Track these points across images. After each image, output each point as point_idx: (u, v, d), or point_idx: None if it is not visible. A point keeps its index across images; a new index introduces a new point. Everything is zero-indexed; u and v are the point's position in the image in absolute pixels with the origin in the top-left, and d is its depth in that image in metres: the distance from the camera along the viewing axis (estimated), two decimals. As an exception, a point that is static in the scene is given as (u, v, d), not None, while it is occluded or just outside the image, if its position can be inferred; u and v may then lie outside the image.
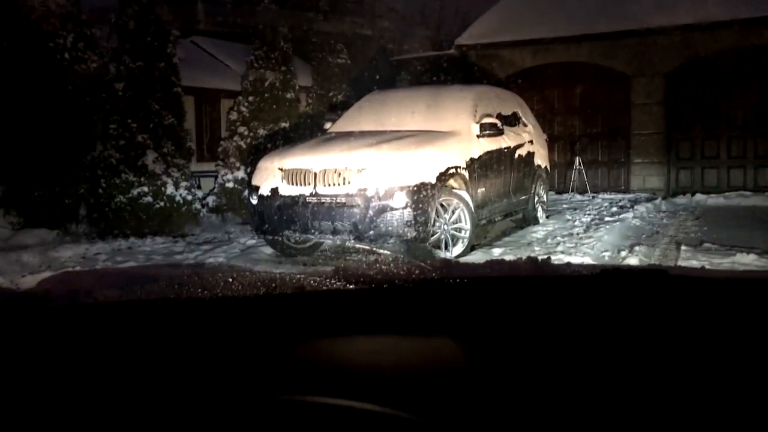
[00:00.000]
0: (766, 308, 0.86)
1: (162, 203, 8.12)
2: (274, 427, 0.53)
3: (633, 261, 5.50)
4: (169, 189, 8.21)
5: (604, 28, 11.23)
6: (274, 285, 0.80)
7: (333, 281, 0.84)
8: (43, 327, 0.68)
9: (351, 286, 0.82)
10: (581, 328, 0.75)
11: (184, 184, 8.42)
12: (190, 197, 8.46)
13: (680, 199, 10.64)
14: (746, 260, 5.21)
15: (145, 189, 8.06)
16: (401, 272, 0.90)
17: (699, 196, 10.66)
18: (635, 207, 9.19)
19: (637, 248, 6.11)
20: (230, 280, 0.80)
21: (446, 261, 1.50)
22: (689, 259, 5.47)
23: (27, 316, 0.72)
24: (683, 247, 6.14)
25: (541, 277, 0.92)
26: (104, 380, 0.59)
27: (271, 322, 0.68)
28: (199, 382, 0.58)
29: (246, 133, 9.65)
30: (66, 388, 0.59)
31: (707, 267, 3.94)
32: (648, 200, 10.20)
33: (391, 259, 1.31)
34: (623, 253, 5.89)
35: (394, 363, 0.66)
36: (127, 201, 7.99)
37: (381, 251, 4.87)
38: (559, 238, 6.85)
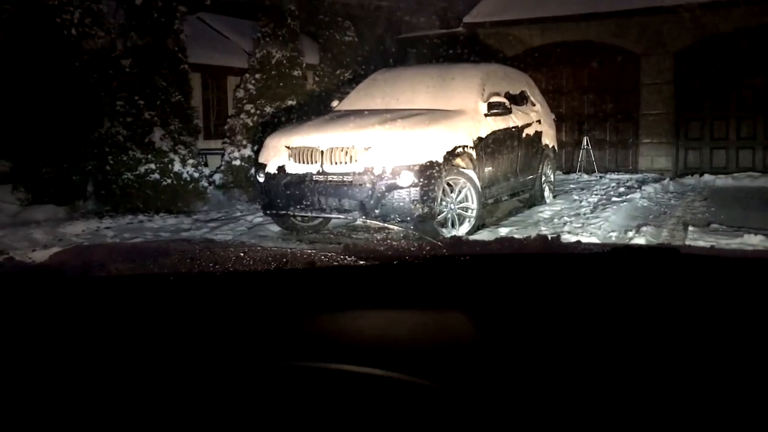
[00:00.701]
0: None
1: (169, 180, 8.13)
2: (286, 391, 0.53)
3: (640, 241, 5.49)
4: (176, 166, 8.21)
5: (613, 7, 11.11)
6: (285, 260, 0.80)
7: (343, 257, 0.84)
8: (57, 299, 0.69)
9: (362, 262, 0.83)
10: (591, 304, 0.75)
11: (191, 161, 8.42)
12: (197, 175, 8.46)
13: (688, 180, 10.60)
14: (754, 241, 5.19)
15: (152, 166, 8.07)
16: (412, 248, 0.91)
17: (707, 177, 10.62)
18: (643, 187, 9.15)
19: (644, 229, 6.09)
20: (241, 255, 0.80)
21: (457, 238, 1.50)
22: (696, 240, 5.46)
23: (41, 288, 0.73)
24: (691, 228, 6.12)
25: (551, 254, 0.92)
26: (117, 351, 0.60)
27: (282, 296, 0.68)
28: (210, 352, 0.59)
29: (253, 110, 9.62)
30: (80, 358, 0.59)
31: (715, 247, 3.93)
32: (656, 180, 10.16)
33: (401, 236, 1.31)
34: (630, 234, 5.88)
35: (406, 336, 0.66)
36: (135, 178, 8.01)
37: (388, 228, 4.87)
38: (566, 218, 6.84)
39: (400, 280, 0.78)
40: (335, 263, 0.80)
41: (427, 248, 0.88)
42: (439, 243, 0.96)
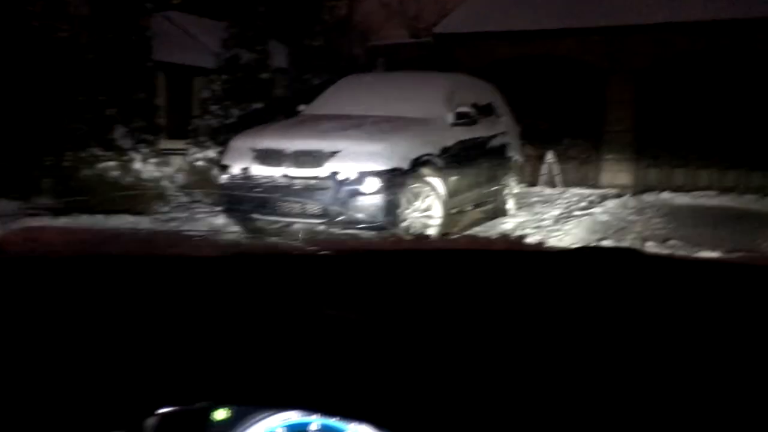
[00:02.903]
0: (732, 288, 0.87)
1: (129, 179, 7.98)
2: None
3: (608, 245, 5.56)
4: (137, 165, 8.07)
5: (579, 23, 11.30)
6: (242, 247, 0.78)
7: (304, 248, 0.82)
8: (1, 277, 0.66)
9: (321, 252, 0.81)
10: (552, 300, 0.74)
11: (153, 160, 8.29)
12: (158, 174, 8.33)
13: (648, 197, 10.79)
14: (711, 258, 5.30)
15: (112, 164, 7.91)
16: (373, 244, 0.89)
17: (666, 195, 10.82)
18: (604, 202, 9.29)
19: (604, 243, 6.18)
20: (198, 239, 0.78)
21: (422, 235, 1.50)
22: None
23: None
24: (648, 243, 6.23)
25: (515, 251, 0.92)
26: (63, 330, 0.57)
27: (229, 279, 0.66)
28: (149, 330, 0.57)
29: (218, 112, 9.52)
30: (24, 336, 0.57)
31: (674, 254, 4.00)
32: (617, 196, 10.32)
33: (364, 235, 1.30)
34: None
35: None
36: (93, 175, 7.84)
37: (351, 233, 4.85)
38: (528, 230, 6.90)
39: (359, 271, 0.77)
40: (294, 252, 0.78)
41: (391, 241, 0.86)
42: (405, 237, 0.94)
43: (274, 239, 0.86)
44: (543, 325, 0.67)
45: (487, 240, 0.97)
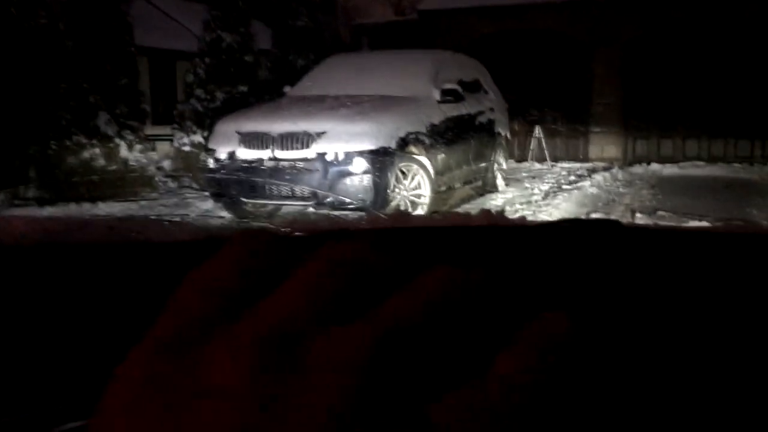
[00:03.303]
0: (712, 258, 0.86)
1: (115, 166, 7.92)
2: None
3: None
4: (123, 152, 8.00)
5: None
6: (213, 231, 0.76)
7: (279, 229, 0.80)
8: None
9: (297, 233, 0.79)
10: (533, 274, 0.73)
11: (138, 147, 8.22)
12: (144, 160, 8.26)
13: (637, 169, 10.82)
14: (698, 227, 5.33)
15: (98, 151, 7.83)
16: (348, 223, 0.87)
17: (655, 166, 10.86)
18: (593, 176, 9.31)
19: (593, 215, 6.20)
20: (167, 224, 0.76)
21: (401, 212, 1.48)
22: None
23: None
24: (638, 215, 6.25)
25: (494, 226, 0.90)
26: (19, 321, 0.55)
27: (193, 265, 0.64)
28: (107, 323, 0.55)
29: (203, 95, 9.43)
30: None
31: (659, 224, 4.02)
32: (605, 169, 10.35)
33: (346, 214, 1.28)
34: (580, 220, 5.98)
35: None
36: (79, 163, 7.77)
37: (339, 215, 4.82)
38: (518, 205, 6.91)
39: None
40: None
41: (367, 219, 0.85)
42: (383, 215, 0.93)
43: (259, 223, 0.85)
44: (523, 301, 0.65)
45: (468, 216, 0.96)
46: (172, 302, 0.20)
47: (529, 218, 5.58)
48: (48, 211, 6.85)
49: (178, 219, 1.04)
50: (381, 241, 0.78)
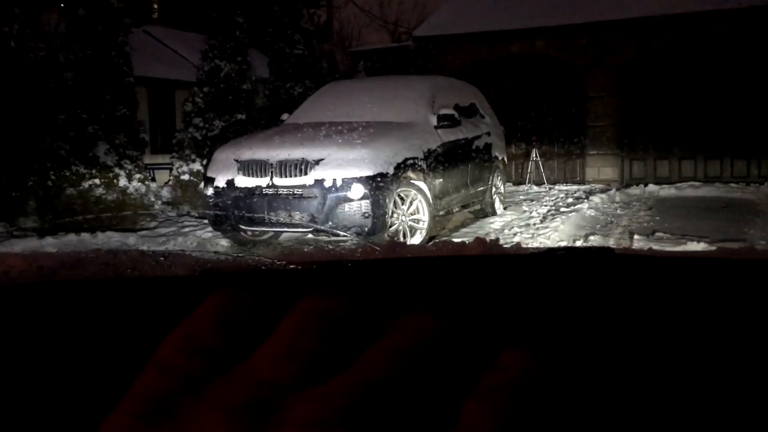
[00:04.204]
0: (707, 285, 0.86)
1: (114, 196, 7.93)
2: None
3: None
4: (122, 181, 8.02)
5: (559, 21, 11.37)
6: (209, 265, 0.77)
7: (273, 261, 0.81)
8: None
9: (292, 266, 0.80)
10: (525, 303, 0.73)
11: (137, 176, 8.24)
12: (144, 190, 8.28)
13: (634, 190, 10.85)
14: (696, 248, 5.33)
15: (97, 181, 7.86)
16: (344, 253, 0.88)
17: (652, 187, 10.89)
18: (590, 198, 9.33)
19: (591, 238, 6.20)
20: (162, 259, 0.76)
21: (394, 242, 1.49)
22: (642, 248, 5.57)
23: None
24: (636, 237, 6.26)
25: (488, 255, 0.91)
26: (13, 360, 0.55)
27: (196, 301, 0.64)
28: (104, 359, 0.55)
29: (201, 124, 9.48)
30: None
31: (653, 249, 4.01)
32: (602, 191, 10.38)
33: (341, 244, 1.29)
34: (578, 243, 5.97)
35: None
36: (78, 194, 7.78)
37: (338, 241, 4.84)
38: (516, 228, 6.91)
39: (330, 281, 0.75)
40: (262, 267, 0.77)
41: (360, 251, 0.86)
42: (375, 247, 0.93)
43: (248, 256, 0.85)
44: (518, 331, 0.66)
45: (462, 245, 0.97)
46: (153, 361, 0.20)
47: (528, 241, 5.59)
48: (48, 241, 6.85)
49: (176, 251, 1.04)
50: (361, 287, 0.79)
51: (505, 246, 1.05)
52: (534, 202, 9.18)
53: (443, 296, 0.72)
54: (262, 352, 0.19)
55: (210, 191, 6.00)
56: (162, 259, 0.78)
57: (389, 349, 0.20)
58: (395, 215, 5.73)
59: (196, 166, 9.25)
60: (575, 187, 11.32)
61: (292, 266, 0.79)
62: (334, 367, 0.19)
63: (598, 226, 7.29)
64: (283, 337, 0.20)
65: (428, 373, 0.21)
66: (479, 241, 1.02)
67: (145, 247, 6.34)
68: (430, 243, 1.14)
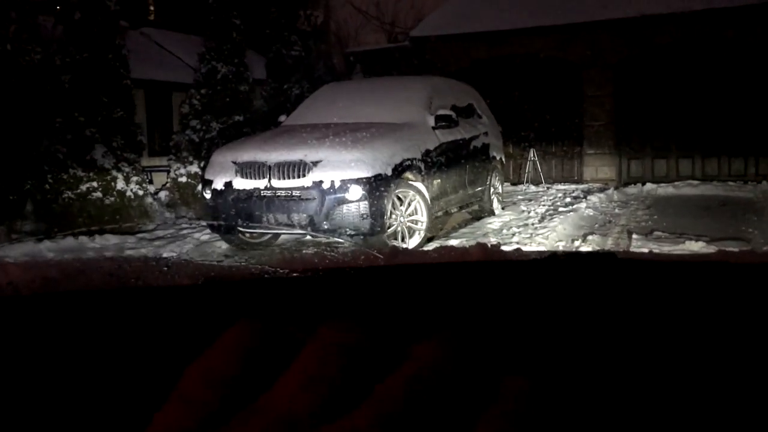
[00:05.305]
0: (708, 289, 0.86)
1: (112, 199, 7.92)
2: None
3: (586, 249, 5.58)
4: (120, 184, 8.01)
5: (556, 21, 11.37)
6: (212, 274, 0.77)
7: (274, 270, 0.81)
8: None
9: (294, 274, 0.79)
10: (528, 309, 0.73)
11: (135, 178, 8.22)
12: (141, 192, 8.27)
13: (631, 189, 10.86)
14: (695, 247, 5.34)
15: (95, 184, 7.84)
16: (346, 260, 0.88)
17: (649, 186, 10.90)
18: (588, 197, 9.34)
19: (590, 237, 6.21)
20: (165, 269, 0.76)
21: (395, 248, 1.49)
22: (640, 248, 5.58)
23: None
24: (634, 236, 6.26)
25: (490, 261, 0.91)
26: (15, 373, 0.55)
27: (200, 309, 0.64)
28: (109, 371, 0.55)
29: (199, 126, 9.47)
30: None
31: (654, 252, 4.02)
32: (600, 190, 10.39)
33: (340, 249, 1.29)
34: (577, 243, 5.97)
35: None
36: (76, 197, 7.77)
37: (337, 243, 4.84)
38: (514, 228, 6.92)
39: (330, 290, 0.75)
40: (265, 275, 0.77)
41: (362, 258, 0.86)
42: (377, 254, 0.93)
43: (251, 264, 0.85)
44: (522, 337, 0.66)
45: (463, 250, 0.97)
46: (177, 394, 0.21)
47: (527, 241, 5.58)
48: (46, 245, 6.84)
49: (179, 259, 1.04)
50: (374, 311, 0.79)
51: (506, 251, 1.05)
52: (532, 202, 9.19)
53: (450, 311, 0.72)
54: (281, 385, 0.20)
55: (208, 193, 6.00)
56: (165, 268, 0.78)
57: (406, 380, 0.20)
58: (393, 216, 5.72)
59: (194, 169, 9.25)
60: (573, 186, 11.33)
61: (295, 275, 0.79)
62: (354, 397, 0.19)
63: (597, 225, 7.30)
64: (302, 370, 0.20)
65: (441, 400, 0.21)
66: (480, 246, 1.02)
67: (143, 252, 6.34)
68: (432, 248, 1.14)
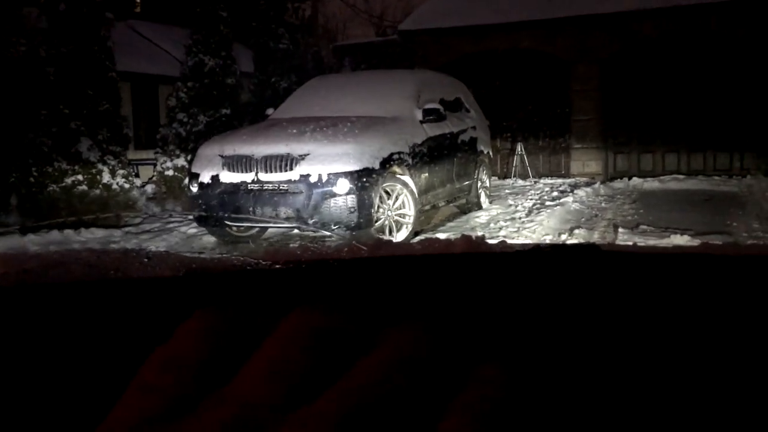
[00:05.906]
0: (690, 280, 0.87)
1: (98, 192, 7.86)
2: None
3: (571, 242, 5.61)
4: (106, 177, 7.95)
5: (543, 15, 11.39)
6: (193, 265, 0.76)
7: (257, 262, 0.80)
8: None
9: (277, 266, 0.79)
10: (510, 300, 0.73)
11: (121, 172, 8.17)
12: (127, 186, 8.21)
13: (618, 184, 10.92)
14: (680, 241, 5.37)
15: (80, 177, 7.78)
16: (330, 252, 0.88)
17: (636, 180, 10.96)
18: (575, 191, 9.37)
19: (576, 231, 6.23)
20: (146, 260, 0.75)
21: (380, 240, 1.49)
22: (626, 241, 5.61)
23: None
24: (620, 230, 6.30)
25: (475, 254, 0.91)
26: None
27: (180, 302, 0.64)
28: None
29: (185, 119, 9.42)
30: None
31: (638, 245, 4.04)
32: (587, 185, 10.43)
33: (327, 242, 1.28)
34: (563, 237, 6.00)
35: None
36: (61, 190, 7.71)
37: (324, 236, 4.84)
38: (501, 222, 6.94)
39: (313, 282, 0.75)
40: (247, 267, 0.76)
41: (346, 250, 0.85)
42: (361, 246, 0.93)
43: (233, 256, 0.84)
44: (501, 327, 0.66)
45: (448, 242, 0.97)
46: (136, 383, 0.20)
47: (514, 235, 5.59)
48: (30, 239, 6.77)
49: (160, 251, 1.04)
50: (350, 296, 0.79)
51: (491, 243, 1.05)
52: (519, 196, 9.21)
53: (430, 300, 0.72)
54: (245, 372, 0.19)
55: (194, 187, 5.97)
56: (146, 260, 0.77)
57: (377, 364, 0.20)
58: (381, 210, 5.72)
59: (181, 162, 9.20)
60: (560, 180, 11.36)
61: (278, 266, 0.79)
62: (323, 381, 0.19)
63: (583, 219, 7.33)
64: (267, 356, 0.20)
65: (413, 387, 0.21)
66: (465, 238, 1.02)
67: (129, 245, 6.30)
68: (416, 240, 1.15)
